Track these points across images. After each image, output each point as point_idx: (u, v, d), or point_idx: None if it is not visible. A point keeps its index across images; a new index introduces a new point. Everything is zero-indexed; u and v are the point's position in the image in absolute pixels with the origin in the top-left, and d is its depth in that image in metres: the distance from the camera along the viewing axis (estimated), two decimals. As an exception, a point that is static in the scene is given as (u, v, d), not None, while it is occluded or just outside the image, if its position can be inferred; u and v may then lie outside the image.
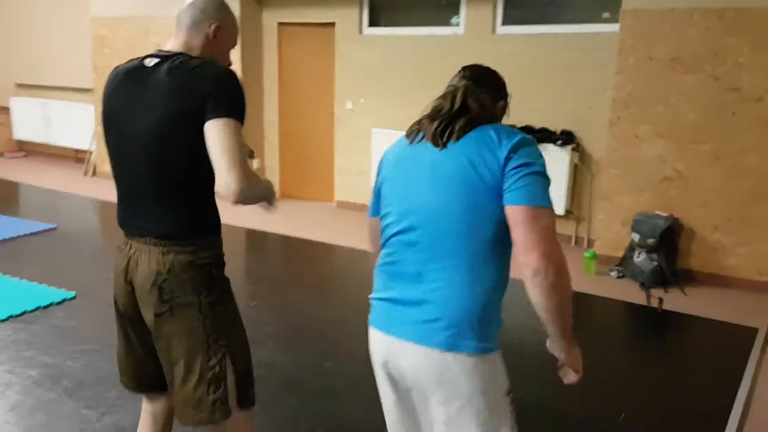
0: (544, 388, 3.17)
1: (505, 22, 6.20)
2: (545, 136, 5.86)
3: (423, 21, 6.71)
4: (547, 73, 5.91)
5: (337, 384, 3.43)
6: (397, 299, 1.69)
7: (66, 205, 7.56)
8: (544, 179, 1.57)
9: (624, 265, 5.25)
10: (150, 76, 1.79)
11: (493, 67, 1.82)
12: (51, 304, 4.30)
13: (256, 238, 6.29)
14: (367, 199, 7.83)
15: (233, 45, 1.97)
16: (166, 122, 1.74)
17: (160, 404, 2.12)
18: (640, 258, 5.08)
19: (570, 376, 1.73)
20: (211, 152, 1.70)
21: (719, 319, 4.41)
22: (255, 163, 1.97)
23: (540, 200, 1.53)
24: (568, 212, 6.00)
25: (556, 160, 5.73)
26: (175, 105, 1.73)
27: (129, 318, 1.95)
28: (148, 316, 1.87)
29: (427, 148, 1.67)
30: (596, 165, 5.84)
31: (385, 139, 6.79)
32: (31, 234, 6.00)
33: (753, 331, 4.22)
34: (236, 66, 1.93)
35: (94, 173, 9.03)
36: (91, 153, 9.09)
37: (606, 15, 5.76)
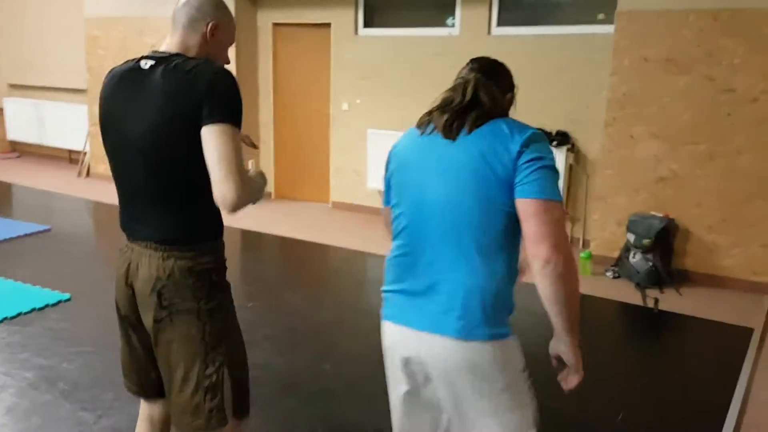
0: (542, 388, 3.15)
1: (500, 23, 6.22)
2: (541, 136, 5.86)
3: (418, 22, 6.71)
4: (542, 74, 5.92)
5: (335, 385, 3.43)
6: (409, 291, 1.72)
7: (60, 207, 7.53)
8: (555, 173, 1.60)
9: (619, 266, 5.26)
10: (146, 78, 1.77)
11: None
12: (46, 306, 4.28)
13: (251, 239, 6.27)
14: (362, 199, 7.81)
15: (231, 42, 1.94)
16: (161, 126, 1.73)
17: (158, 409, 2.10)
18: (635, 258, 5.10)
19: (571, 379, 1.72)
20: (207, 159, 1.68)
21: (715, 320, 4.43)
22: (249, 164, 1.96)
23: (551, 194, 1.56)
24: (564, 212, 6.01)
25: (552, 161, 5.73)
26: (171, 109, 1.71)
27: (130, 322, 1.94)
28: (147, 320, 1.86)
29: (438, 140, 1.69)
30: (591, 165, 5.85)
31: (381, 139, 6.79)
32: (25, 235, 5.96)
33: (749, 331, 4.23)
34: (231, 67, 1.91)
35: (87, 174, 8.99)
36: (85, 154, 9.05)
37: (601, 16, 5.77)
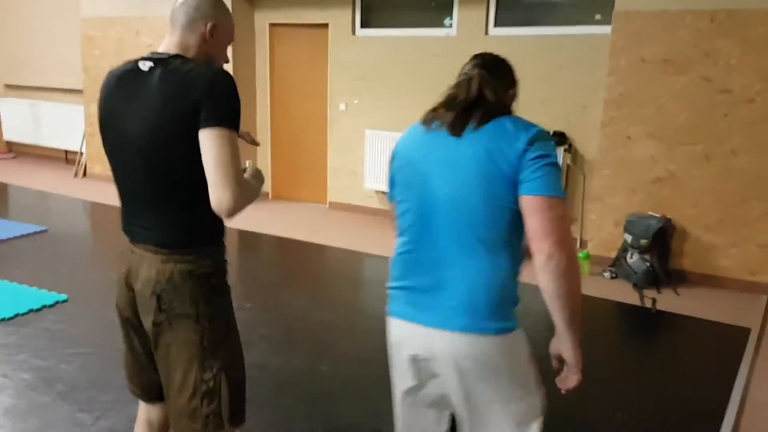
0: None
1: (497, 24, 6.22)
2: (538, 137, 5.87)
3: (416, 22, 6.71)
4: (539, 74, 5.92)
5: (332, 386, 3.42)
6: (416, 287, 1.74)
7: (57, 207, 7.51)
8: (558, 171, 1.63)
9: (617, 266, 5.27)
10: (145, 80, 1.76)
11: None
12: (43, 307, 4.27)
13: (248, 239, 6.27)
14: (360, 200, 7.79)
15: (230, 41, 1.93)
16: (159, 128, 1.71)
17: (157, 412, 2.09)
18: (633, 259, 5.11)
19: (570, 379, 1.73)
20: (204, 163, 1.67)
21: (712, 320, 4.44)
22: (246, 163, 1.95)
23: (554, 191, 1.58)
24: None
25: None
26: (168, 112, 1.70)
27: (131, 325, 1.93)
28: (147, 323, 1.86)
29: (443, 136, 1.70)
30: (588, 166, 5.86)
31: (379, 140, 6.79)
32: (22, 236, 5.95)
33: (746, 331, 4.24)
34: (228, 67, 1.90)
35: (84, 174, 8.97)
36: (81, 154, 9.03)
37: (598, 17, 5.77)
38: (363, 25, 7.00)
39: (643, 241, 5.01)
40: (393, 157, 1.85)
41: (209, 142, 1.66)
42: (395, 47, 6.75)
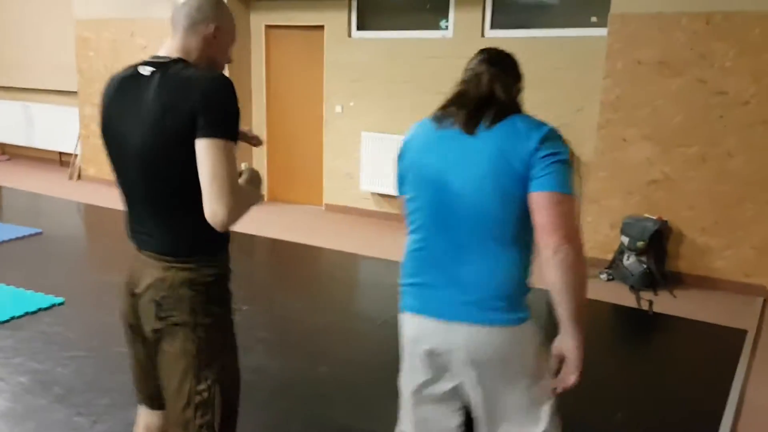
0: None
1: (493, 26, 6.22)
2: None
3: (412, 25, 6.72)
4: (535, 76, 5.86)
5: (329, 388, 3.42)
6: (430, 283, 1.77)
7: (51, 210, 7.47)
8: (569, 168, 1.65)
9: (613, 268, 5.28)
10: (144, 86, 1.73)
11: None
12: (39, 310, 4.25)
13: (244, 242, 6.25)
14: (355, 202, 7.78)
15: (232, 42, 1.91)
16: (157, 135, 1.69)
17: (156, 419, 2.07)
18: (629, 261, 5.12)
19: (569, 378, 1.73)
20: (199, 174, 1.65)
21: (709, 321, 4.45)
22: (242, 166, 1.93)
23: (563, 187, 1.61)
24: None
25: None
26: (167, 118, 1.67)
27: (134, 331, 1.91)
28: (147, 330, 1.85)
29: (457, 134, 1.72)
30: (585, 168, 5.86)
31: (375, 142, 6.78)
32: (16, 239, 5.92)
33: (742, 333, 4.26)
34: (224, 69, 1.88)
35: (79, 177, 8.94)
36: (76, 156, 9.00)
37: (594, 19, 5.79)
38: (359, 28, 7.00)
39: (640, 243, 5.02)
40: (402, 155, 1.86)
41: (204, 152, 1.63)
42: (391, 49, 6.75)
